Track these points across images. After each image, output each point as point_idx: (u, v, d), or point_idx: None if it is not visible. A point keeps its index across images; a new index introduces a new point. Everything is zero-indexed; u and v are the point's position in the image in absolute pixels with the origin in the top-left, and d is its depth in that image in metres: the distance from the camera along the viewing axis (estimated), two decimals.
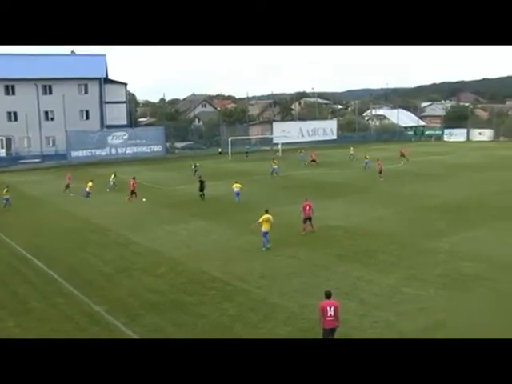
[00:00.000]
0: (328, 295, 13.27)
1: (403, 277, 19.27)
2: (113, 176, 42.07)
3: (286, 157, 62.60)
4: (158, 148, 69.73)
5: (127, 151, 67.56)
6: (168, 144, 73.25)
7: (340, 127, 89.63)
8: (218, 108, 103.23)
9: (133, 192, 36.44)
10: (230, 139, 68.09)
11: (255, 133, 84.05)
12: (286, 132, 77.80)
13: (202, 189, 35.66)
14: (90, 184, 38.79)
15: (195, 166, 47.35)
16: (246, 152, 67.27)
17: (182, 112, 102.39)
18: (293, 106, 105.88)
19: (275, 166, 46.57)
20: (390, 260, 21.37)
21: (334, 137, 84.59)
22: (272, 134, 78.64)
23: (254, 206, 32.89)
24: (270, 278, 19.45)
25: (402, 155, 56.41)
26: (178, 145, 76.59)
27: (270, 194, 38.13)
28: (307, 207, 25.72)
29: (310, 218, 25.60)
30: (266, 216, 22.89)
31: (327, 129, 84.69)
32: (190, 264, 21.49)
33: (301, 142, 78.65)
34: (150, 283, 19.37)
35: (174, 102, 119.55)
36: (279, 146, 68.73)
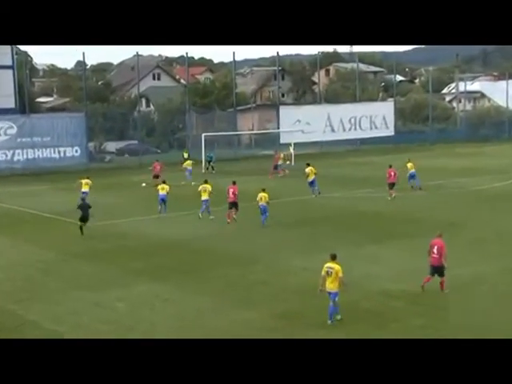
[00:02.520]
0: None
1: None
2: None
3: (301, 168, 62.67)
4: (73, 152, 70.12)
5: (15, 157, 68.01)
6: (93, 145, 73.46)
7: (400, 114, 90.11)
8: (183, 81, 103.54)
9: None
10: (203, 136, 68.09)
11: (249, 125, 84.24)
12: (303, 123, 77.34)
13: (84, 218, 37.84)
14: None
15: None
16: (209, 162, 65.60)
17: (118, 87, 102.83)
18: (315, 78, 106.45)
19: (313, 178, 48.93)
20: None
21: (391, 132, 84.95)
22: (278, 126, 78.55)
23: (248, 254, 32.79)
24: None
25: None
26: (112, 146, 76.74)
27: (274, 234, 38.44)
28: (435, 247, 26.40)
29: (437, 268, 26.28)
30: (330, 265, 23.41)
31: (377, 118, 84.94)
32: None
33: (330, 142, 78.65)
34: None
35: (103, 68, 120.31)
36: (291, 149, 68.71)
